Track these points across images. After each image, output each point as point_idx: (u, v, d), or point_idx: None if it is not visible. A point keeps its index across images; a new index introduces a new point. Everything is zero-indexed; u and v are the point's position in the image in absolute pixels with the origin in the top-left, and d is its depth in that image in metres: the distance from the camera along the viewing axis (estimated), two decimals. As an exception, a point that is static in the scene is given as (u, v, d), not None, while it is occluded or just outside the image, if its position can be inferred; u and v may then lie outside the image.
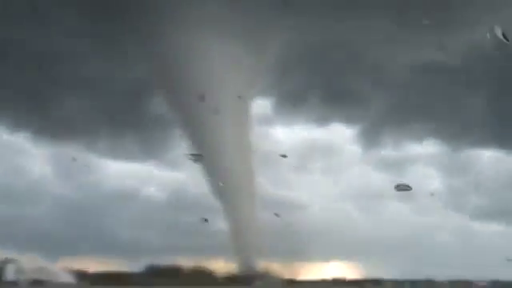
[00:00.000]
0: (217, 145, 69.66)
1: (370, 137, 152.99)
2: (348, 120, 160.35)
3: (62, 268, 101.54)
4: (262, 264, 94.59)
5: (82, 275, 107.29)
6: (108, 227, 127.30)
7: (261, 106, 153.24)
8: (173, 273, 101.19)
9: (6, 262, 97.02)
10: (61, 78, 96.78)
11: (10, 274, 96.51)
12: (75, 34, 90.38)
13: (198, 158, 44.72)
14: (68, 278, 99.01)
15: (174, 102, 78.83)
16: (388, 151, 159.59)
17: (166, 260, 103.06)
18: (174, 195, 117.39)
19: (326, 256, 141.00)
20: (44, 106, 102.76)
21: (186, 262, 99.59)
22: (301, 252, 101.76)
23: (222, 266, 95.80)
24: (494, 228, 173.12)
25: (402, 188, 43.98)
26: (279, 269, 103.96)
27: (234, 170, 69.67)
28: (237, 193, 72.57)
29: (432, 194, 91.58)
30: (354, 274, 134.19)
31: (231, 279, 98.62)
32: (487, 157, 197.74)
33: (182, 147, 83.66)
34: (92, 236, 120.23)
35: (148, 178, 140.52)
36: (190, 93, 69.84)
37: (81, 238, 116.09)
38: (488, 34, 17.04)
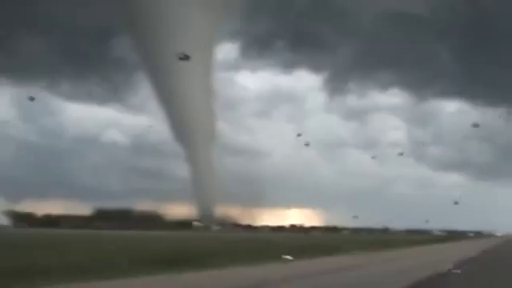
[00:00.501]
0: (179, 90, 64.24)
1: (336, 85, 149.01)
2: (314, 67, 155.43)
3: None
4: (221, 209, 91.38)
5: (29, 218, 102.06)
6: (70, 171, 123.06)
7: (227, 50, 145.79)
8: (122, 216, 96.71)
9: None
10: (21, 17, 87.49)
11: None
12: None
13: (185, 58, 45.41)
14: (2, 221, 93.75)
15: (137, 46, 75.71)
16: (353, 100, 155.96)
17: (124, 204, 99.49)
18: (136, 140, 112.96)
19: (287, 203, 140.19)
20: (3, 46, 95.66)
21: (144, 206, 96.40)
22: (262, 198, 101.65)
23: (178, 210, 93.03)
24: (454, 178, 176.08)
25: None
26: (238, 214, 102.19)
27: (194, 114, 64.86)
28: (196, 138, 68.28)
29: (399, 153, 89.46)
30: (314, 221, 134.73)
31: (181, 224, 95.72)
32: (451, 108, 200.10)
33: (146, 91, 78.45)
34: (55, 180, 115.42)
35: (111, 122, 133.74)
36: (155, 37, 66.68)
37: (44, 182, 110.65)
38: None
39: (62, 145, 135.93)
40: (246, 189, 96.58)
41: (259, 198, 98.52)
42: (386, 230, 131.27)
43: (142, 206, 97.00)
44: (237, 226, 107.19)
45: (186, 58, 46.48)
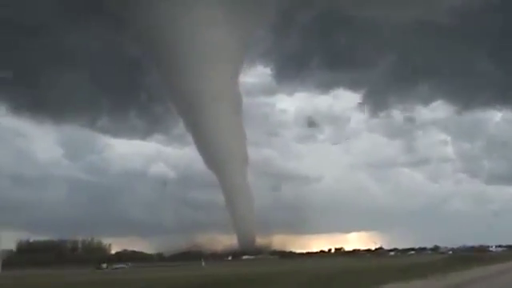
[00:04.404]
0: (207, 115, 67.12)
1: (376, 102, 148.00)
2: (351, 85, 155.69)
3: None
4: (264, 237, 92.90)
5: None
6: (121, 207, 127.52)
7: (260, 73, 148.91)
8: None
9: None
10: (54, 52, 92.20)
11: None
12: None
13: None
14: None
15: (168, 81, 74.71)
16: (395, 116, 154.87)
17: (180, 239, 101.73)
18: (183, 172, 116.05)
19: (342, 227, 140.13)
20: (39, 83, 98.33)
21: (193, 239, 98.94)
22: (306, 224, 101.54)
23: (221, 241, 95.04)
24: (510, 191, 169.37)
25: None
26: (283, 241, 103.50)
27: (224, 140, 67.30)
28: (229, 164, 70.17)
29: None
30: (370, 245, 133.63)
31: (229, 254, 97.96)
32: (497, 117, 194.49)
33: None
34: (107, 216, 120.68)
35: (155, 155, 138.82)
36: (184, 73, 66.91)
37: (96, 219, 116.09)
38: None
39: (109, 181, 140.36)
40: (293, 215, 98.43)
41: (304, 224, 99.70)
42: (436, 249, 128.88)
43: (191, 239, 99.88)
44: (286, 253, 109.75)
45: None
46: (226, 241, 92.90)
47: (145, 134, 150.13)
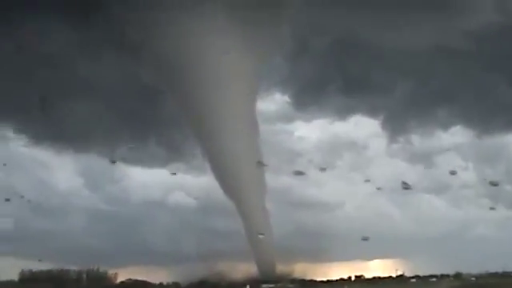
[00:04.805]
0: (223, 142, 67.51)
1: (395, 127, 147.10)
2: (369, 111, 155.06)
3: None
4: (284, 266, 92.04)
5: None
6: (141, 236, 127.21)
7: (277, 100, 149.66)
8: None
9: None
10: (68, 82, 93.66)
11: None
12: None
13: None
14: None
15: (184, 108, 76.80)
16: (415, 142, 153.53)
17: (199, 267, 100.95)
18: (203, 201, 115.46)
19: (369, 255, 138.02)
20: (56, 114, 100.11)
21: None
22: (327, 252, 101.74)
23: (242, 269, 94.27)
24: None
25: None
26: (303, 269, 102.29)
27: (242, 167, 67.28)
28: (247, 192, 70.13)
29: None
30: (393, 272, 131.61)
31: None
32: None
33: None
34: (128, 246, 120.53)
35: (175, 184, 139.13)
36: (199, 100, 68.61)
37: (117, 249, 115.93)
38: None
39: (129, 211, 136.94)
40: (314, 243, 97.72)
41: (325, 251, 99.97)
42: (458, 276, 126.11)
43: (210, 267, 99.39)
44: (307, 282, 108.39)
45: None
46: (246, 269, 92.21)
47: (164, 163, 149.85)
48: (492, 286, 49.49)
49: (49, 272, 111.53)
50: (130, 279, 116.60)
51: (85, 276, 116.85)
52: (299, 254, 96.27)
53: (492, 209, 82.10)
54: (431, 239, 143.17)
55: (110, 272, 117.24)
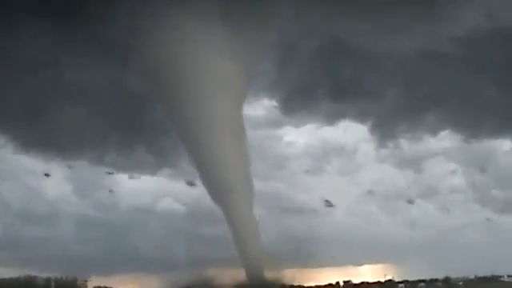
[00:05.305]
0: (210, 146, 67.09)
1: (383, 133, 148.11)
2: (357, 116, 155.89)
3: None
4: (272, 271, 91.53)
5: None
6: (130, 243, 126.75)
7: (265, 105, 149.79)
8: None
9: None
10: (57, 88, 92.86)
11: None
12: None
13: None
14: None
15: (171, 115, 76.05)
16: (403, 147, 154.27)
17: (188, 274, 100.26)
18: (192, 207, 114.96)
19: (359, 260, 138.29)
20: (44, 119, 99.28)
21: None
22: (314, 257, 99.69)
23: (230, 275, 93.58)
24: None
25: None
26: (292, 275, 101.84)
27: (228, 171, 67.12)
28: (234, 196, 69.84)
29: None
30: (382, 277, 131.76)
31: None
32: (506, 146, 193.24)
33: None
34: (117, 253, 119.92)
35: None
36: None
37: (107, 256, 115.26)
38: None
39: (118, 218, 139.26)
40: (303, 248, 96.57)
41: (314, 256, 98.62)
42: (447, 281, 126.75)
43: (198, 274, 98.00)
44: (295, 287, 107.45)
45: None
46: (234, 275, 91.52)
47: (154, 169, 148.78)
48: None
49: (13, 280, 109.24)
50: (99, 287, 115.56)
51: (53, 284, 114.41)
52: (288, 260, 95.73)
53: (488, 219, 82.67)
54: (420, 244, 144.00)
55: (79, 279, 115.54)
